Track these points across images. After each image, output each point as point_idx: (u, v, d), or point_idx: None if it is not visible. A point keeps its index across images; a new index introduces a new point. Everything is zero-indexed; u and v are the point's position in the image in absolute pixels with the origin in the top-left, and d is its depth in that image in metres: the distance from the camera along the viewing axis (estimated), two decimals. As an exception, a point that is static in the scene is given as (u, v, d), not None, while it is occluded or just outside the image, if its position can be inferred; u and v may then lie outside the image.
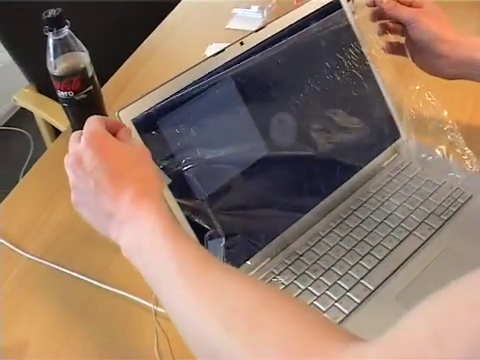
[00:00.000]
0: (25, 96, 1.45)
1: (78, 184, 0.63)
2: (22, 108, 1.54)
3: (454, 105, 1.06)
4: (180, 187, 0.76)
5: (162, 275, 0.57)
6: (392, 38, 0.95)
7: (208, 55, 1.26)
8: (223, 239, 0.78)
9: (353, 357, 0.45)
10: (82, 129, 0.99)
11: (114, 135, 0.66)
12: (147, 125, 0.75)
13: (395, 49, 0.95)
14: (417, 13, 0.91)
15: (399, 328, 0.44)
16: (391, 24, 0.93)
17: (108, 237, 0.63)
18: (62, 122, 1.29)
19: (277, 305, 0.52)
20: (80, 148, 0.63)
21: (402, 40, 0.94)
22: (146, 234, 0.58)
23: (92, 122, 0.65)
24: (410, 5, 0.93)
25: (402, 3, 0.93)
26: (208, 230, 0.78)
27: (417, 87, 1.06)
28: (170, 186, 0.75)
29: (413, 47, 0.93)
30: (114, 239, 0.62)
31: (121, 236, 0.61)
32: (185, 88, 0.77)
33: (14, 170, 2.30)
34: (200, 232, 0.77)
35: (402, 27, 0.92)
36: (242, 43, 0.82)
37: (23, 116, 1.63)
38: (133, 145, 0.67)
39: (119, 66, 1.29)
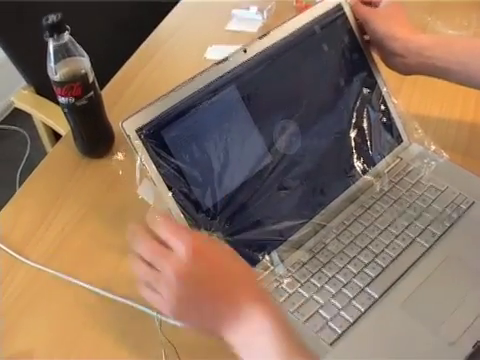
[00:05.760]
0: (23, 98, 1.44)
1: (186, 294, 0.64)
2: (18, 107, 1.53)
3: (456, 108, 1.06)
4: (183, 196, 0.76)
5: None
6: None
7: (208, 57, 1.27)
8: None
9: None
10: (84, 133, 1.00)
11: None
12: (151, 135, 0.74)
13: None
14: (369, 13, 0.91)
15: None
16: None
17: (216, 335, 0.65)
18: (61, 124, 1.29)
19: None
20: (184, 260, 0.64)
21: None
22: (260, 333, 0.63)
23: (178, 232, 0.66)
24: (370, 3, 0.93)
25: (363, 1, 0.93)
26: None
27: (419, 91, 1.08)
28: (174, 195, 0.76)
29: (372, 45, 0.94)
30: (224, 336, 0.65)
31: (234, 333, 0.64)
32: (189, 97, 0.77)
33: (10, 169, 2.29)
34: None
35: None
36: (245, 51, 0.82)
37: (19, 114, 1.62)
38: (221, 244, 0.72)
39: (118, 68, 1.28)
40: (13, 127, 2.50)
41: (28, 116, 1.49)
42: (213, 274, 0.65)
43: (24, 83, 1.46)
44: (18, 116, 2.29)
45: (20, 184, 2.14)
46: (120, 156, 0.79)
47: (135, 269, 0.68)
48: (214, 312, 0.65)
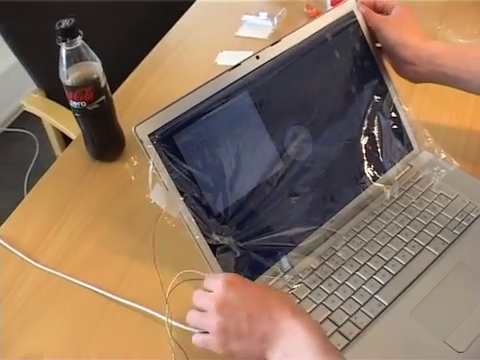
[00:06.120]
0: (34, 101, 1.44)
1: (228, 323, 0.68)
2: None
3: (466, 117, 1.06)
4: (195, 201, 0.77)
5: None
6: None
7: (219, 62, 1.27)
8: (235, 254, 0.79)
9: None
10: (95, 137, 1.01)
11: None
12: (163, 140, 0.75)
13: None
14: (380, 20, 0.91)
15: None
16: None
17: (258, 357, 0.68)
18: (71, 128, 1.30)
19: None
20: (219, 292, 0.70)
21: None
22: (301, 346, 0.65)
23: (214, 276, 0.75)
24: (382, 11, 0.94)
25: (375, 9, 0.93)
26: (221, 244, 0.78)
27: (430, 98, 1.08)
28: (185, 200, 0.76)
29: (384, 52, 0.94)
30: (267, 356, 0.67)
31: (274, 350, 0.67)
32: (201, 103, 0.77)
33: (19, 172, 2.30)
34: (214, 244, 0.78)
35: None
36: (258, 57, 0.82)
37: (28, 117, 1.63)
38: None
39: (129, 72, 1.28)
40: (22, 130, 2.51)
41: (37, 119, 1.49)
42: (246, 297, 0.69)
43: (33, 86, 1.46)
44: (27, 119, 2.30)
45: (28, 187, 2.16)
46: (134, 161, 0.79)
47: (188, 319, 0.72)
48: (253, 333, 0.67)
